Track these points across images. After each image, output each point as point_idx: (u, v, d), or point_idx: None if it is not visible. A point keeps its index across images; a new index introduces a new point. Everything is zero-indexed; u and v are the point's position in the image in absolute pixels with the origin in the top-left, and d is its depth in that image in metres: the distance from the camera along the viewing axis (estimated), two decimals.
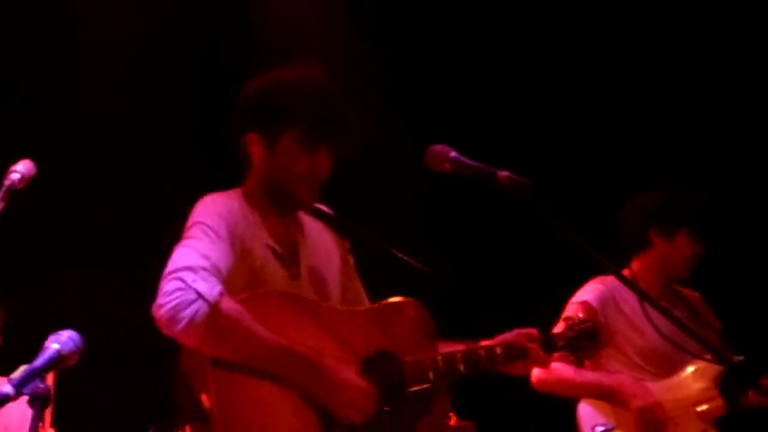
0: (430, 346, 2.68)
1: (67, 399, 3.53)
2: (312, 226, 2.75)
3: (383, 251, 2.74)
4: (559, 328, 2.95)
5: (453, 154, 2.54)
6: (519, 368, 2.80)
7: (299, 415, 2.44)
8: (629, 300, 3.65)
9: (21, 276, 4.19)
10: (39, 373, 2.02)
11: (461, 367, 2.65)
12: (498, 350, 2.73)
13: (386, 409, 2.52)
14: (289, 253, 2.64)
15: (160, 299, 2.35)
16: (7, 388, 1.98)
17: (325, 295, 2.68)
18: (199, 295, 2.33)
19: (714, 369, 3.44)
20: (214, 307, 2.34)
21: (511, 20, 4.98)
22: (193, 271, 2.37)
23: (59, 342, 2.08)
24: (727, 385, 2.50)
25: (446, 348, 2.71)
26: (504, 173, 2.45)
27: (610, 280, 3.72)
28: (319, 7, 4.81)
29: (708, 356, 3.16)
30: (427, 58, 4.86)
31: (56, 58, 4.47)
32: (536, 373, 3.55)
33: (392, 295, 2.71)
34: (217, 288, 2.38)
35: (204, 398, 2.38)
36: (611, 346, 3.67)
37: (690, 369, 3.55)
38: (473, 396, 3.28)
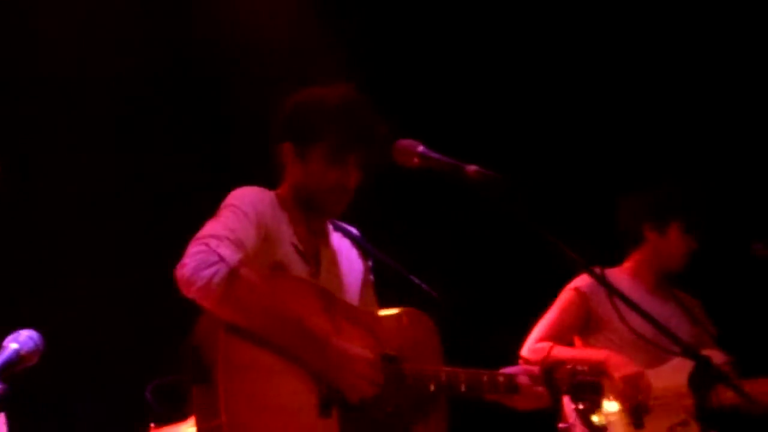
0: (437, 359, 2.76)
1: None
2: (338, 242, 2.87)
3: (401, 275, 2.83)
4: (565, 370, 2.92)
5: (421, 148, 2.53)
6: (519, 402, 2.86)
7: (299, 390, 2.49)
8: (623, 291, 3.69)
9: None
10: None
11: (462, 387, 2.72)
12: (500, 378, 2.81)
13: (389, 409, 2.59)
14: (311, 254, 2.75)
15: (184, 260, 2.44)
16: None
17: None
18: (221, 258, 2.42)
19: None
20: (233, 271, 2.42)
21: (494, 12, 4.95)
22: (218, 238, 2.47)
23: (18, 341, 2.04)
24: (696, 380, 2.51)
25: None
26: (472, 167, 2.43)
27: (606, 271, 3.69)
28: (289, 8, 4.78)
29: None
30: (406, 54, 4.83)
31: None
32: (524, 352, 3.60)
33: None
34: (239, 255, 2.47)
35: (212, 363, 2.42)
36: (600, 333, 3.74)
37: (675, 361, 3.56)
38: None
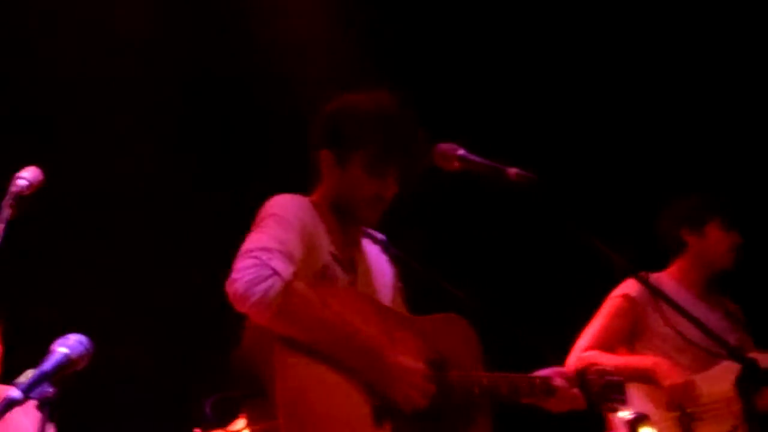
0: (478, 364, 2.76)
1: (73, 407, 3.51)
2: (370, 249, 2.85)
3: (432, 281, 2.82)
4: (595, 371, 2.95)
5: (461, 151, 2.53)
6: (554, 405, 2.86)
7: (353, 402, 2.48)
8: (669, 295, 3.67)
9: (22, 284, 4.16)
10: (48, 378, 1.99)
11: (503, 390, 2.72)
12: (537, 381, 2.81)
13: (439, 418, 2.58)
14: (348, 263, 2.73)
15: (235, 274, 2.40)
16: (15, 393, 1.95)
17: None
18: (275, 272, 2.39)
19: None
20: (288, 285, 2.40)
21: (524, 14, 4.94)
22: (269, 251, 2.43)
23: (67, 346, 2.05)
24: (743, 384, 2.48)
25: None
26: (513, 170, 2.43)
27: (651, 276, 3.76)
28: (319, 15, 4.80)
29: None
30: (432, 58, 4.83)
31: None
32: (572, 361, 3.57)
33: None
34: (292, 268, 2.44)
35: (267, 377, 2.40)
36: (647, 341, 3.71)
37: (722, 365, 3.53)
38: None
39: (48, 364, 2.01)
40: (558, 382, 2.84)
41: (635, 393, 3.56)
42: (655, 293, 2.77)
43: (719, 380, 3.50)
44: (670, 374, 3.55)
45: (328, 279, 2.62)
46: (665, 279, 3.80)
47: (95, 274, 4.39)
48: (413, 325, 2.69)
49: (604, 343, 3.67)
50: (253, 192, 2.75)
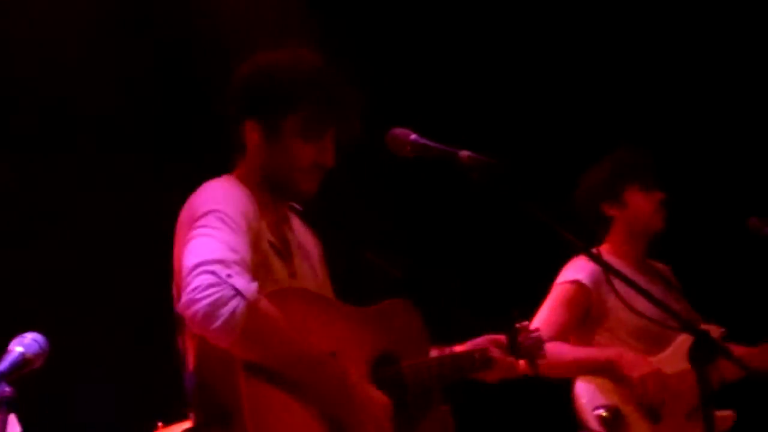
0: (426, 346, 2.67)
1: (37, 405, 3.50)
2: (295, 224, 2.64)
3: (357, 253, 2.71)
4: (524, 330, 2.93)
5: (413, 136, 2.50)
6: (489, 375, 2.81)
7: (314, 427, 2.34)
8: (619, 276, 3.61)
9: None
10: (3, 377, 1.99)
11: (447, 371, 2.66)
12: (477, 356, 2.74)
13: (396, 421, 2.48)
14: (284, 249, 2.52)
15: (194, 294, 2.16)
16: None
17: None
18: (237, 292, 2.17)
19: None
20: (252, 306, 2.19)
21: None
22: (226, 265, 2.20)
23: (23, 345, 2.06)
24: (696, 355, 2.48)
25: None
26: (465, 153, 2.40)
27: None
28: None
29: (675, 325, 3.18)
30: (397, 42, 4.83)
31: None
32: None
33: (363, 297, 2.64)
34: (254, 285, 2.22)
35: (228, 401, 2.25)
36: (602, 326, 3.56)
37: (677, 342, 3.47)
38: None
39: (4, 363, 2.02)
40: (494, 352, 2.77)
41: (597, 386, 3.49)
42: (609, 270, 2.77)
43: (679, 359, 3.34)
44: (637, 364, 3.40)
45: (266, 273, 2.39)
46: (605, 257, 3.53)
47: (54, 268, 4.35)
48: (360, 317, 2.53)
49: (558, 334, 3.49)
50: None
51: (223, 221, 2.30)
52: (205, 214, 2.31)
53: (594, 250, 3.49)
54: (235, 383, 2.23)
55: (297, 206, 2.68)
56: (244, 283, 2.20)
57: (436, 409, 2.65)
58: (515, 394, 3.76)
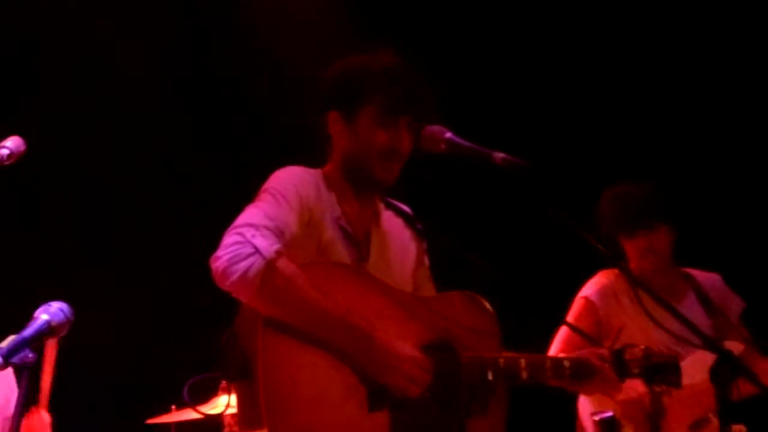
0: (494, 345, 2.63)
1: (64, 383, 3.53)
2: (391, 221, 2.74)
3: (460, 256, 2.72)
4: (635, 353, 2.87)
5: (448, 134, 2.51)
6: (586, 388, 2.79)
7: (346, 388, 2.38)
8: (632, 296, 3.57)
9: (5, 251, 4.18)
10: (28, 343, 2.01)
11: (524, 374, 2.60)
12: (566, 363, 2.69)
13: (442, 404, 2.47)
14: (361, 237, 2.63)
15: (219, 251, 2.34)
16: None
17: (392, 283, 2.61)
18: (256, 250, 2.32)
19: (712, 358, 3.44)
20: (269, 263, 2.32)
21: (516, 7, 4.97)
22: (255, 227, 2.36)
23: (49, 313, 2.08)
24: (718, 373, 2.47)
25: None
26: (500, 154, 2.40)
27: (616, 273, 3.65)
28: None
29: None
30: (424, 41, 4.84)
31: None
32: None
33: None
34: (276, 246, 2.35)
35: (248, 354, 2.35)
36: (613, 342, 3.44)
37: (690, 358, 3.45)
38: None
39: (29, 330, 2.04)
40: (596, 362, 2.72)
41: (599, 397, 3.50)
42: (636, 283, 2.75)
43: (691, 373, 3.35)
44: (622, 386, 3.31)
45: (329, 255, 2.52)
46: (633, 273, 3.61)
47: (81, 245, 4.39)
48: (422, 305, 2.56)
49: (569, 348, 3.46)
50: (254, 171, 2.67)
51: (273, 196, 2.49)
52: (263, 191, 2.52)
53: (623, 265, 3.56)
54: (255, 337, 2.34)
55: (405, 207, 2.80)
56: (265, 243, 2.34)
57: (498, 407, 2.59)
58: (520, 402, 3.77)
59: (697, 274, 3.81)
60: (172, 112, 4.65)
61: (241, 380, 2.37)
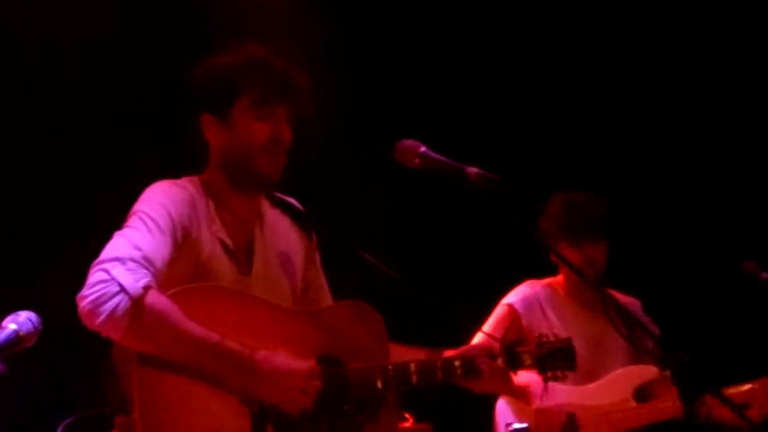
0: (382, 352, 2.62)
1: None
2: (277, 221, 2.68)
3: (353, 252, 2.69)
4: (528, 345, 2.90)
5: (423, 149, 2.50)
6: (478, 385, 2.79)
7: (230, 416, 2.36)
8: (557, 307, 3.69)
9: None
10: None
11: (414, 379, 2.58)
12: (457, 363, 2.68)
13: (327, 411, 2.45)
14: (242, 248, 2.58)
15: (84, 290, 2.29)
16: None
17: (278, 292, 2.60)
18: (122, 288, 2.27)
19: (634, 378, 3.46)
20: (136, 302, 2.28)
21: (498, 11, 4.97)
22: (121, 262, 2.31)
23: (17, 322, 2.05)
24: (684, 390, 2.45)
25: (409, 354, 2.66)
26: (473, 169, 2.40)
27: (542, 284, 3.75)
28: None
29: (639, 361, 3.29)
30: (400, 50, 4.84)
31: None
32: None
33: (356, 296, 2.65)
34: (144, 281, 2.31)
35: (127, 390, 2.34)
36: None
37: (609, 377, 3.52)
38: (431, 396, 3.24)
39: None
40: (484, 361, 2.71)
41: (516, 406, 3.55)
42: (605, 300, 2.75)
43: (606, 392, 3.47)
44: (539, 394, 3.40)
45: (208, 272, 2.47)
46: (557, 288, 3.75)
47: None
48: (306, 320, 2.53)
49: None
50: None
51: (143, 221, 2.41)
52: (132, 215, 2.45)
53: (551, 279, 3.71)
54: (130, 374, 2.32)
55: (292, 201, 2.71)
56: (131, 279, 2.29)
57: (389, 415, 2.60)
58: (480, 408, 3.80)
59: (618, 296, 3.76)
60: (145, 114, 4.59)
61: (124, 415, 2.35)
